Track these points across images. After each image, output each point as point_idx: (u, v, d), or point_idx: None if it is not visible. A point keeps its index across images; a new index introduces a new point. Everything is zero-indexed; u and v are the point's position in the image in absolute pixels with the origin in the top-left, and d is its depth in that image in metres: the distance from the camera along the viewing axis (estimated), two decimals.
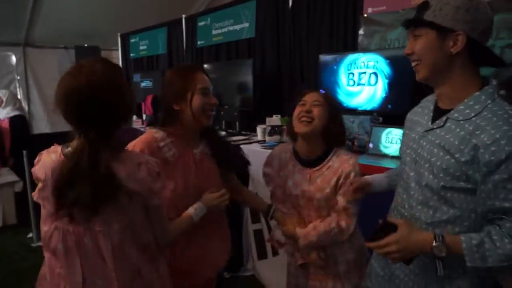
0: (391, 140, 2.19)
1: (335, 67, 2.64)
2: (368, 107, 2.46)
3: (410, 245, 1.04)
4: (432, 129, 1.07)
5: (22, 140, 3.93)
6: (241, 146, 2.57)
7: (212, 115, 1.37)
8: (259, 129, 3.05)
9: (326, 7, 2.97)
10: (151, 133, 1.33)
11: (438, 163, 1.02)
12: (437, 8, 0.99)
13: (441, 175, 1.02)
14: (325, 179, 1.42)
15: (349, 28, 2.81)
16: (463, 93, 1.02)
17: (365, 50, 2.59)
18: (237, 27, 3.76)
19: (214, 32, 4.05)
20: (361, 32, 2.68)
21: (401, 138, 2.12)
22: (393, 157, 2.12)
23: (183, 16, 4.50)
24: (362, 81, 2.50)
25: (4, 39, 6.00)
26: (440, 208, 1.05)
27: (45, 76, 6.41)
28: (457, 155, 0.98)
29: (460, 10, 0.97)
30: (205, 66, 3.95)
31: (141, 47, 5.31)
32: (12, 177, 3.91)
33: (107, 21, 5.51)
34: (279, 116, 2.96)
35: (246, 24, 3.67)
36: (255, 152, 2.56)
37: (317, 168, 1.43)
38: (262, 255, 2.69)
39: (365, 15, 2.66)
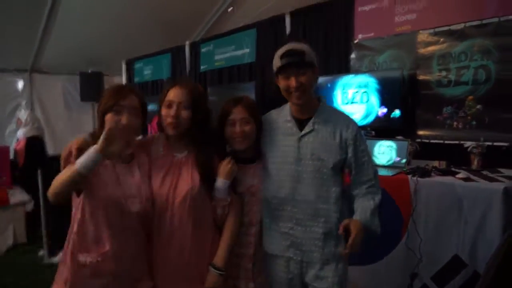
0: (383, 151, 2.43)
1: (330, 88, 2.92)
2: (362, 122, 2.72)
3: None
4: (305, 134, 1.50)
5: (36, 160, 4.09)
6: None
7: (171, 124, 1.48)
8: None
9: (321, 34, 3.28)
10: (153, 135, 1.69)
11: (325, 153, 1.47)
12: (308, 53, 1.45)
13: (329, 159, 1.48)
14: None
15: (342, 53, 3.11)
16: (314, 106, 1.54)
17: (357, 72, 2.88)
18: (239, 52, 4.07)
19: (216, 57, 4.36)
20: (352, 56, 2.98)
21: (391, 148, 2.37)
22: (384, 166, 2.36)
23: (187, 42, 4.80)
24: (355, 99, 2.78)
25: (11, 65, 6.25)
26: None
27: (50, 101, 6.64)
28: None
29: (313, 54, 1.50)
30: (209, 89, 4.24)
31: (146, 72, 5.58)
32: (23, 196, 4.07)
33: (111, 48, 5.80)
34: None
35: (247, 50, 3.97)
36: None
37: (256, 163, 1.65)
38: None
39: (356, 41, 2.96)
